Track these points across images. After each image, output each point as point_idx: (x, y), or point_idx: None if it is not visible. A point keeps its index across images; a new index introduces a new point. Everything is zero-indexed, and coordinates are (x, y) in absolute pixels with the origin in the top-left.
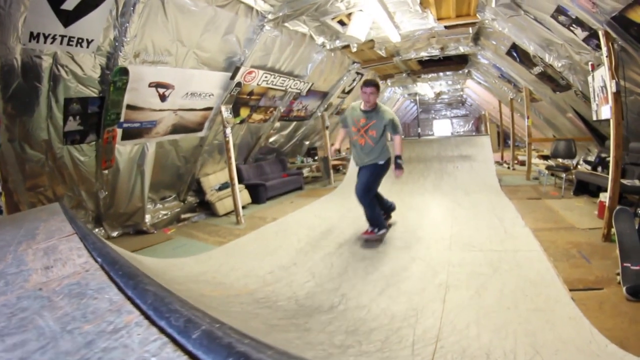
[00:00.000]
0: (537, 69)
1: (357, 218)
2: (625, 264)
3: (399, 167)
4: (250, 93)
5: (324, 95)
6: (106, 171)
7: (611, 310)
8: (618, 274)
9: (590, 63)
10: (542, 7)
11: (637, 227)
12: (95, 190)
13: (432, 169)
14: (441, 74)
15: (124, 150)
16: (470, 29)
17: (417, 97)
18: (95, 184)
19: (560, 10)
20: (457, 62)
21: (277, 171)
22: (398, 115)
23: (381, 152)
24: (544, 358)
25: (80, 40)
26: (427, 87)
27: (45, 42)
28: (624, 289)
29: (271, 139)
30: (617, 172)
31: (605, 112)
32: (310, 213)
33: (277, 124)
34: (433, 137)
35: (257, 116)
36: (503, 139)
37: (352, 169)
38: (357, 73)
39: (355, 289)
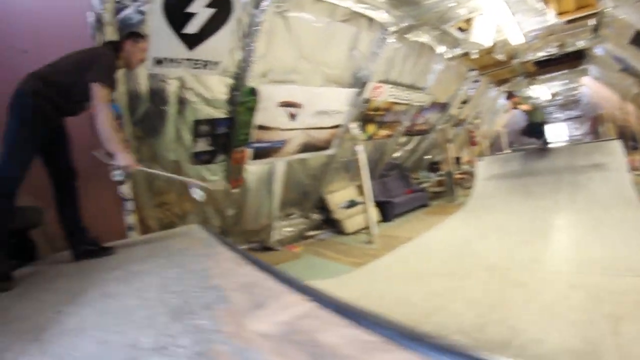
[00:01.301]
0: None
1: (497, 239)
2: None
3: None
4: (376, 109)
5: (443, 106)
6: (235, 190)
7: None
8: None
9: None
10: None
11: None
12: (222, 208)
13: (564, 181)
14: (557, 73)
15: (253, 170)
16: (589, 21)
17: (531, 101)
18: (223, 201)
19: None
20: (573, 59)
21: (401, 187)
22: (511, 121)
23: None
24: None
25: (205, 63)
26: (543, 89)
27: (171, 67)
28: None
29: (394, 155)
30: None
31: None
32: (444, 233)
33: (402, 139)
34: (561, 145)
35: (382, 132)
36: (628, 143)
37: (480, 184)
38: (475, 81)
39: (521, 320)
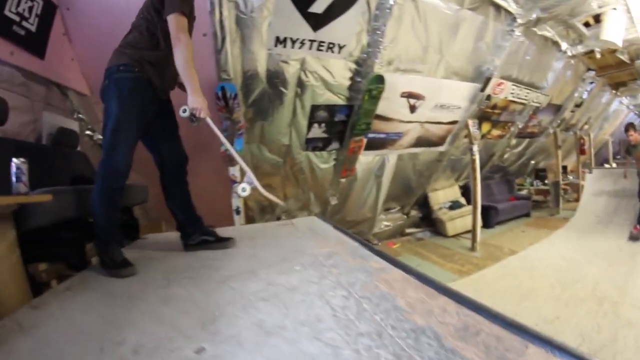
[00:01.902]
0: None
1: (607, 267)
2: None
3: None
4: (494, 107)
5: (557, 109)
6: (343, 179)
7: None
8: None
9: None
10: None
11: None
12: (326, 196)
13: None
14: None
15: (364, 160)
16: None
17: None
18: (328, 189)
19: None
20: None
21: (504, 192)
22: (620, 129)
23: None
24: None
25: (331, 45)
26: None
27: (292, 47)
28: None
29: (503, 157)
30: None
31: None
32: (551, 251)
33: (513, 141)
34: None
35: (495, 132)
36: None
37: (587, 199)
38: (590, 82)
39: None
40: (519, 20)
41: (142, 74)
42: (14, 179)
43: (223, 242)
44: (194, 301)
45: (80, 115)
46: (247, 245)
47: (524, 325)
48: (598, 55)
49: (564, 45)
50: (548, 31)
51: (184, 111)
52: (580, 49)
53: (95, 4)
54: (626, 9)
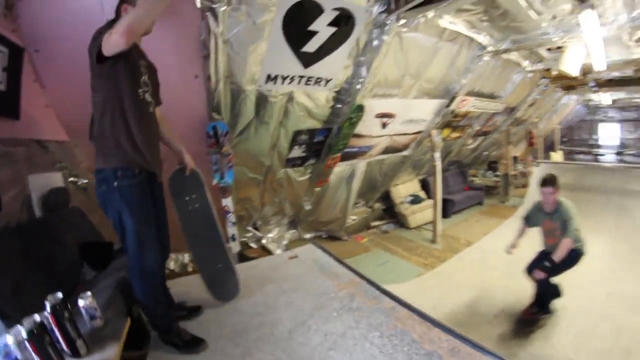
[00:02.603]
0: None
1: None
2: None
3: (544, 269)
4: (455, 115)
5: (512, 110)
6: (318, 189)
7: None
8: None
9: None
10: None
11: None
12: (301, 203)
13: (612, 203)
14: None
15: (336, 170)
16: None
17: (591, 104)
18: (303, 197)
19: None
20: None
21: (459, 183)
22: (566, 119)
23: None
24: None
25: (318, 80)
26: (606, 97)
27: (282, 83)
28: None
29: (459, 153)
30: None
31: None
32: (502, 241)
33: (470, 141)
34: (614, 166)
35: (454, 134)
36: None
37: (535, 191)
38: (544, 87)
39: (560, 339)
40: (489, 49)
41: (142, 171)
42: (85, 317)
43: (194, 312)
44: None
45: (63, 164)
46: (275, 290)
47: (486, 347)
48: (555, 73)
49: (525, 63)
50: (513, 55)
51: None
52: (540, 66)
53: (66, 40)
54: (584, 44)
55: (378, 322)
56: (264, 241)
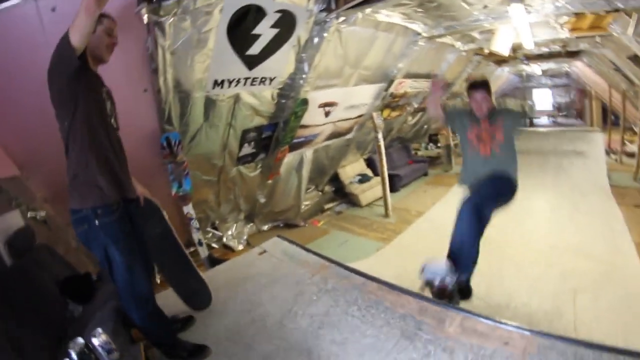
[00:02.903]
0: None
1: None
2: None
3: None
4: (394, 97)
5: (448, 85)
6: (270, 181)
7: None
8: None
9: None
10: None
11: None
12: (255, 197)
13: (550, 163)
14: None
15: (285, 161)
16: (597, 37)
17: (524, 73)
18: (257, 191)
19: None
20: (572, 54)
21: (403, 158)
22: (501, 88)
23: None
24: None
25: (263, 79)
26: (537, 67)
27: (229, 87)
28: None
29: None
30: None
31: None
32: (450, 208)
33: (410, 118)
34: (548, 130)
35: (394, 113)
36: (611, 118)
37: None
38: (478, 62)
39: (514, 289)
40: (423, 35)
41: (120, 204)
42: (103, 354)
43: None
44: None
45: (18, 200)
46: (256, 286)
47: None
48: (487, 51)
49: (458, 44)
50: (447, 38)
51: None
52: (472, 46)
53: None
54: (513, 27)
55: (354, 298)
56: (224, 239)
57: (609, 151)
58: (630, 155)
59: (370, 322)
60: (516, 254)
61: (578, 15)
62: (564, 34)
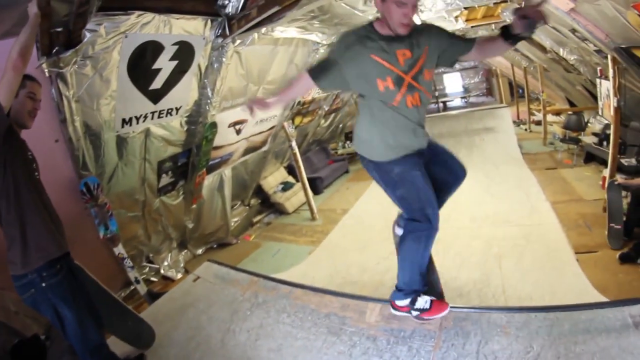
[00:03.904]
0: (551, 55)
1: None
2: (611, 224)
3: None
4: (303, 104)
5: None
6: (194, 206)
7: (601, 267)
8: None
9: (599, 68)
10: (562, 22)
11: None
12: (183, 224)
13: (462, 143)
14: None
15: (205, 183)
16: (493, 25)
17: None
18: (183, 218)
19: (575, 30)
20: (470, 40)
21: (323, 159)
22: None
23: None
24: (559, 299)
25: (170, 110)
26: None
27: (137, 123)
28: (616, 253)
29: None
30: (613, 166)
31: (607, 115)
32: (373, 201)
33: (322, 121)
34: (458, 112)
35: (306, 119)
36: (516, 92)
37: None
38: None
39: (442, 266)
40: (323, 42)
41: (62, 262)
42: None
43: None
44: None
45: None
46: (195, 313)
47: (367, 296)
48: None
49: None
50: None
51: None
52: None
53: None
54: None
55: (283, 306)
56: (162, 271)
57: (518, 122)
58: (538, 123)
59: (300, 326)
60: (440, 234)
61: (470, 8)
62: (461, 24)
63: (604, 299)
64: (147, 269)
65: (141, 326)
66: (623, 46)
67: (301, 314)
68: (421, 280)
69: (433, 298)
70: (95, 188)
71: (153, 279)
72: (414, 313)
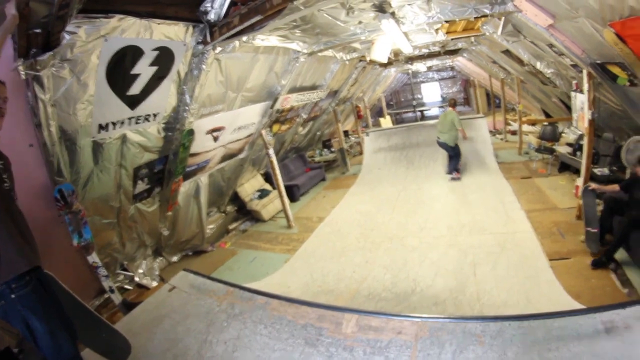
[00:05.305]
0: (528, 67)
1: (391, 211)
2: (587, 228)
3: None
4: (282, 112)
5: (335, 93)
6: (170, 213)
7: (574, 273)
8: (583, 237)
9: (574, 82)
10: (540, 37)
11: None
12: (158, 231)
13: (439, 151)
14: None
15: (182, 190)
16: (472, 38)
17: (410, 71)
18: (159, 225)
19: (553, 45)
20: (451, 52)
21: (300, 167)
22: (390, 87)
23: None
24: (534, 306)
25: (147, 117)
26: (421, 65)
27: (114, 129)
28: (589, 260)
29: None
30: (587, 175)
31: (581, 127)
32: (349, 209)
33: (300, 128)
34: (436, 122)
35: (284, 127)
36: (494, 102)
37: (368, 157)
38: (363, 67)
39: (418, 275)
40: (304, 51)
41: (32, 274)
42: None
43: None
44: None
45: None
46: (171, 324)
47: (343, 307)
48: (369, 59)
49: (340, 55)
50: (328, 52)
51: None
52: (355, 55)
53: None
54: (392, 38)
55: (259, 317)
56: (136, 279)
57: (495, 132)
58: (514, 133)
59: (277, 337)
60: (416, 243)
61: (450, 22)
62: (441, 37)
63: (577, 305)
64: (122, 276)
65: (116, 338)
66: (599, 62)
67: (278, 325)
68: None
69: None
70: (69, 195)
71: (127, 287)
72: None
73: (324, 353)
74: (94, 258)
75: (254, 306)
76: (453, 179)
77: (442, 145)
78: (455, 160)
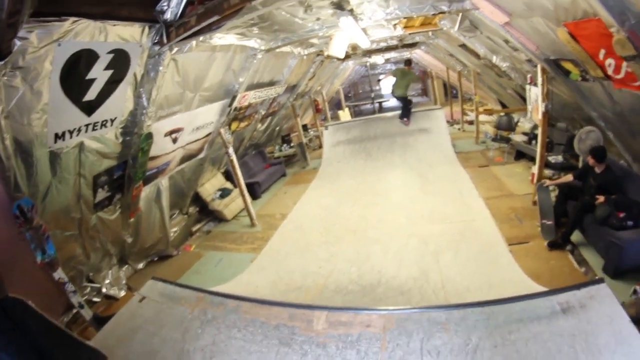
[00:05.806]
0: (484, 61)
1: (352, 204)
2: (542, 221)
3: None
4: (240, 109)
5: (293, 87)
6: (132, 219)
7: (533, 256)
8: (539, 227)
9: (529, 75)
10: (496, 33)
11: (552, 197)
12: (121, 239)
13: (397, 143)
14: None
15: (142, 195)
16: (430, 32)
17: (368, 63)
18: (122, 233)
19: (508, 41)
20: (409, 45)
21: (260, 163)
22: (348, 79)
23: None
24: (495, 290)
25: (104, 122)
26: (379, 57)
27: (71, 137)
28: (545, 242)
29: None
30: (542, 163)
31: (536, 118)
32: (311, 204)
33: (259, 125)
34: (394, 114)
35: (242, 124)
36: (450, 93)
37: (328, 151)
38: (321, 61)
39: (383, 266)
40: (261, 48)
41: None
42: None
43: None
44: None
45: None
46: (146, 335)
47: (314, 304)
48: (326, 54)
49: (298, 50)
50: (286, 47)
51: None
52: (313, 50)
53: None
54: (349, 34)
55: (232, 321)
56: (104, 290)
57: (452, 122)
58: (471, 123)
59: (252, 340)
60: (378, 234)
61: (408, 17)
62: (399, 31)
63: (537, 286)
64: (89, 289)
65: (92, 355)
66: (552, 58)
67: (251, 327)
68: None
69: None
70: (29, 210)
71: (95, 299)
72: None
73: (299, 351)
74: (60, 274)
75: (225, 310)
76: (402, 124)
77: (397, 98)
78: (406, 109)
